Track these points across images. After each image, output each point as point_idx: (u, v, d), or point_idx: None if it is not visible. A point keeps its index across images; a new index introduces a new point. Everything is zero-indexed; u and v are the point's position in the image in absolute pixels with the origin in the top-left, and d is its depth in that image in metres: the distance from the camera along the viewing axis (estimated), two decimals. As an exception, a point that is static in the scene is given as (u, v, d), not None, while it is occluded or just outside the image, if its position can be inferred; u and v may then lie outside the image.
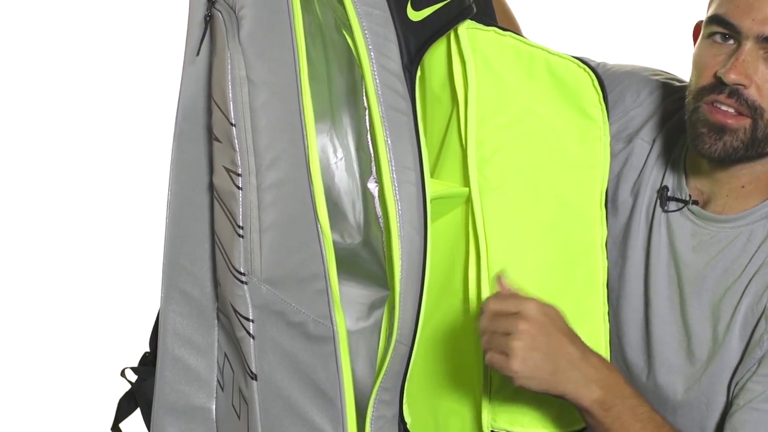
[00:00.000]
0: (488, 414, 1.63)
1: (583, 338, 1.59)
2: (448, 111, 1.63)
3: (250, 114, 1.41)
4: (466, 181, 1.62)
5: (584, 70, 1.61)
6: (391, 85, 1.46)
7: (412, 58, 1.49)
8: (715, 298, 1.61)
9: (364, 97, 1.48)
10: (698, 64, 1.59)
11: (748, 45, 1.52)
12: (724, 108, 1.55)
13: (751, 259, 1.59)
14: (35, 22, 3.76)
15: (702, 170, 1.64)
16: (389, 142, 1.46)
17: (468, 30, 1.60)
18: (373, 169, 1.49)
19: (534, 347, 1.45)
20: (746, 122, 1.54)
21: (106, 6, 3.72)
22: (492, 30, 1.61)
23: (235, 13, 1.42)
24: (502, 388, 1.63)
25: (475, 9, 1.54)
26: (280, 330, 1.45)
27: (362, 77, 1.47)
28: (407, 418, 1.53)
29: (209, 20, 1.46)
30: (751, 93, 1.53)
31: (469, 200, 1.62)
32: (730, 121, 1.55)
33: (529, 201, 1.64)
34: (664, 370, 1.64)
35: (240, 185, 1.42)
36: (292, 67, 1.42)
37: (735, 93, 1.54)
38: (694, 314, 1.63)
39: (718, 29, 1.56)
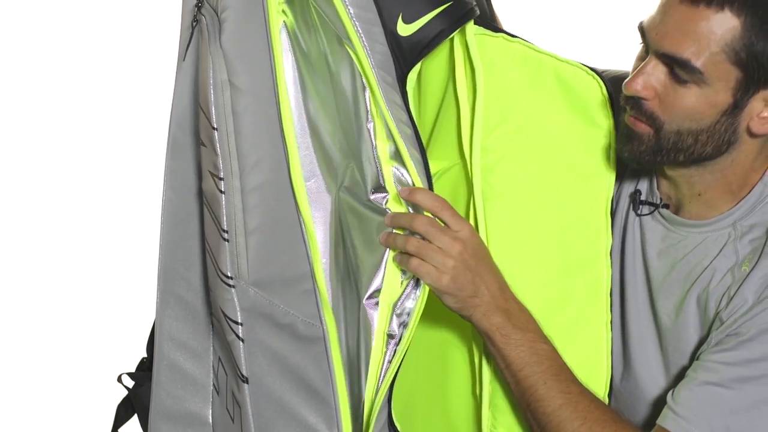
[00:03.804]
0: (488, 418, 1.65)
1: (585, 346, 1.65)
2: (435, 114, 1.62)
3: (233, 118, 1.44)
4: (470, 189, 1.60)
5: (593, 77, 1.63)
6: (393, 99, 1.51)
7: (404, 70, 1.53)
8: (678, 300, 1.65)
9: (368, 112, 1.51)
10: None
11: (653, 59, 1.57)
12: (634, 114, 1.60)
13: (712, 261, 1.63)
14: (33, 26, 3.79)
15: (666, 175, 1.69)
16: (408, 154, 1.52)
17: (476, 36, 1.58)
18: (382, 180, 1.53)
19: (465, 270, 1.54)
20: (648, 131, 1.59)
21: (105, 9, 3.73)
22: (500, 36, 1.63)
23: (218, 16, 1.45)
24: (503, 392, 1.65)
25: (477, 12, 1.56)
26: (270, 332, 1.49)
27: (365, 91, 1.51)
28: (396, 424, 1.57)
29: (195, 25, 1.46)
30: (651, 105, 1.58)
31: (472, 207, 1.60)
32: (637, 127, 1.60)
33: (534, 208, 1.66)
34: (644, 372, 1.68)
35: (223, 189, 1.45)
36: (265, 68, 1.45)
37: (637, 103, 1.58)
38: (662, 317, 1.67)
39: (641, 38, 1.61)
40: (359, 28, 1.49)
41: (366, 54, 1.49)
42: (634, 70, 1.59)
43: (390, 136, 1.51)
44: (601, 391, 1.63)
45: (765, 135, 1.57)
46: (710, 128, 1.56)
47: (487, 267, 1.56)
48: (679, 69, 1.53)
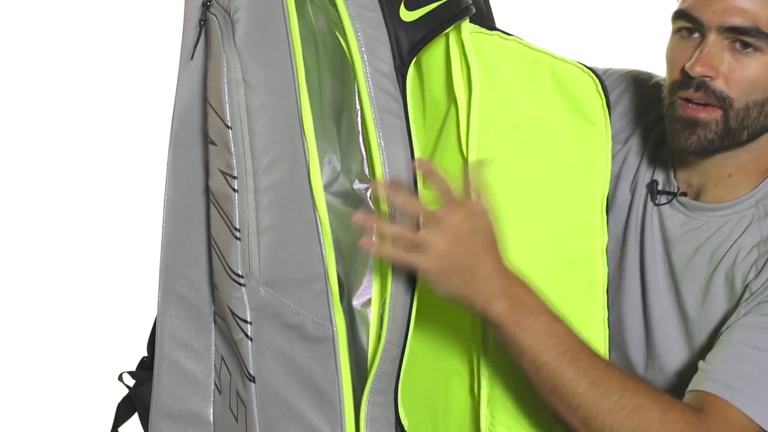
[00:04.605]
0: (486, 417, 1.62)
1: None
2: (444, 114, 1.62)
3: (247, 116, 1.45)
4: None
5: (588, 75, 1.64)
6: (384, 88, 1.51)
7: (404, 60, 1.53)
8: (704, 281, 1.67)
9: (357, 99, 1.51)
10: (669, 60, 1.66)
11: (712, 37, 1.59)
12: (695, 102, 1.61)
13: (736, 240, 1.65)
14: (33, 24, 3.79)
15: (689, 163, 1.71)
16: (382, 144, 1.50)
17: (471, 34, 1.58)
18: (366, 170, 1.53)
19: (455, 256, 1.47)
20: (717, 114, 1.61)
21: (104, 9, 3.73)
22: (496, 34, 1.64)
23: (230, 16, 1.46)
24: (501, 391, 1.66)
25: (473, 10, 1.57)
26: (279, 332, 1.49)
27: (355, 79, 1.51)
28: (404, 421, 1.55)
29: (204, 24, 1.46)
30: (718, 84, 1.59)
31: None
32: (701, 115, 1.61)
33: (530, 207, 1.67)
34: (669, 359, 1.70)
35: (236, 188, 1.46)
36: (288, 69, 1.47)
37: (702, 85, 1.60)
38: (688, 300, 1.69)
39: (684, 24, 1.62)
40: (352, 11, 1.48)
41: (356, 38, 1.48)
42: (674, 61, 1.61)
43: (374, 124, 1.50)
44: (599, 388, 1.63)
45: None
46: None
47: (484, 250, 1.49)
48: (747, 38, 1.55)
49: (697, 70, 1.58)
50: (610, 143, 1.64)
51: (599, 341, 1.64)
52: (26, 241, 3.81)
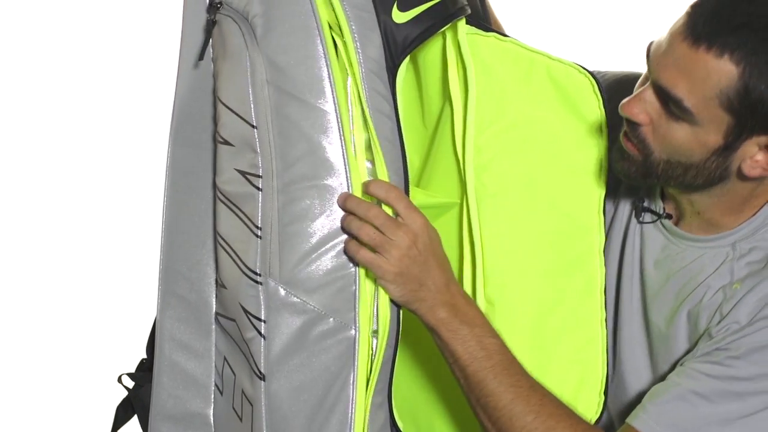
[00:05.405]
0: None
1: (581, 344, 1.65)
2: (438, 114, 1.62)
3: (272, 116, 1.45)
4: (463, 188, 1.61)
5: (585, 75, 1.65)
6: (377, 89, 1.51)
7: (395, 60, 1.52)
8: (669, 314, 1.67)
9: (349, 100, 1.50)
10: None
11: (652, 88, 1.58)
12: (628, 134, 1.62)
13: (706, 279, 1.64)
14: (32, 24, 3.77)
15: (667, 188, 1.70)
16: (380, 142, 1.50)
17: (468, 36, 1.58)
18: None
19: (412, 263, 1.52)
20: (638, 154, 1.60)
21: (102, 9, 3.73)
22: (492, 36, 1.65)
23: (248, 20, 1.47)
24: None
25: (468, 11, 1.57)
26: (295, 331, 1.49)
27: (352, 76, 1.50)
28: (399, 422, 1.57)
29: (213, 26, 1.46)
30: (644, 131, 1.58)
31: (464, 207, 1.64)
32: (628, 148, 1.61)
33: (527, 207, 1.67)
34: (633, 378, 1.70)
35: (260, 187, 1.46)
36: (314, 67, 1.47)
37: (632, 125, 1.59)
38: (654, 329, 1.69)
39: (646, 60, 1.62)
40: (348, 12, 1.48)
41: (353, 39, 1.48)
42: (635, 90, 1.59)
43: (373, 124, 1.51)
44: (597, 388, 1.64)
45: (756, 178, 1.57)
46: (699, 165, 1.57)
47: (436, 261, 1.54)
48: (671, 105, 1.53)
49: (626, 111, 1.57)
50: (607, 143, 1.64)
51: (597, 341, 1.65)
52: (25, 243, 3.79)
